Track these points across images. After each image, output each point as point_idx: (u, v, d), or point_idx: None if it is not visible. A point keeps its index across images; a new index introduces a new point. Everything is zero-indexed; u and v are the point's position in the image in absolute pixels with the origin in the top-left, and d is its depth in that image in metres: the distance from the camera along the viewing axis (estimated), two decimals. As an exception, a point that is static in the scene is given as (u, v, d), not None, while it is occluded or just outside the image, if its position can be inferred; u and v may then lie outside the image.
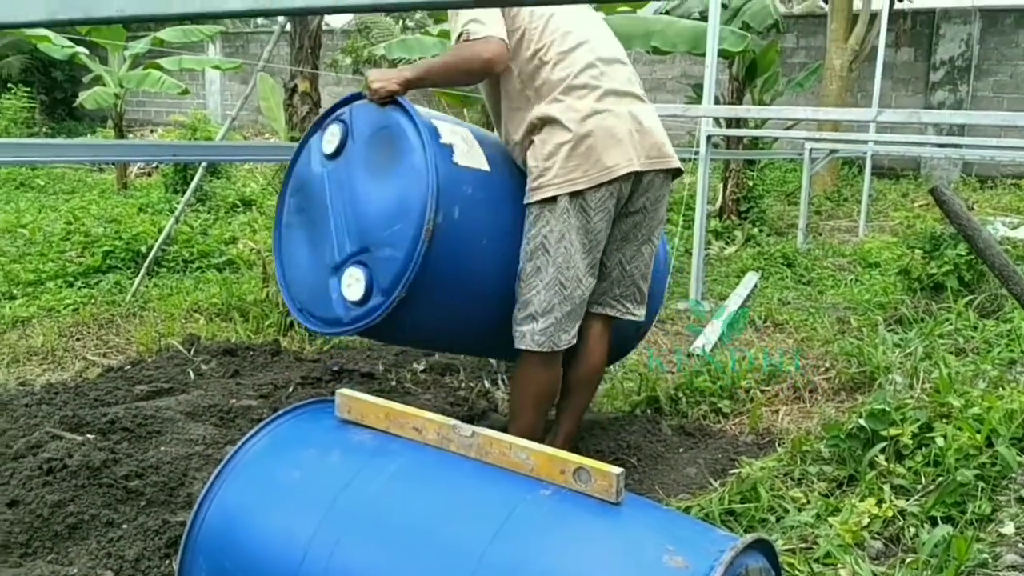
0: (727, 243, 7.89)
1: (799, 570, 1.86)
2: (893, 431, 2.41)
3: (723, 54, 7.24)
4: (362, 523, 1.77)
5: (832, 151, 8.26)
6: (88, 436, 2.64)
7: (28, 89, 12.81)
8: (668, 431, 3.19)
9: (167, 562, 2.02)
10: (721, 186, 8.86)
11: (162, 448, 2.56)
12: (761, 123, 9.40)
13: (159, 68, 9.72)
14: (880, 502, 2.18)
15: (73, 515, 2.16)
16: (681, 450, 2.98)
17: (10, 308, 4.54)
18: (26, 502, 2.20)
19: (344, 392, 2.01)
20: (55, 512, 2.17)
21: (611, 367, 4.06)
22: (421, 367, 3.90)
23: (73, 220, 6.64)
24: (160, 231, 5.65)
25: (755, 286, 6.06)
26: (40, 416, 2.81)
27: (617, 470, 1.64)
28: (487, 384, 3.84)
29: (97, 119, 15.42)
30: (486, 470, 1.82)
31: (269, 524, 1.83)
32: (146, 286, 5.03)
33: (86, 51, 9.48)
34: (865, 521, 2.07)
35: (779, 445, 2.86)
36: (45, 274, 5.14)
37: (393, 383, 3.66)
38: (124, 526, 2.16)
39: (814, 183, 8.78)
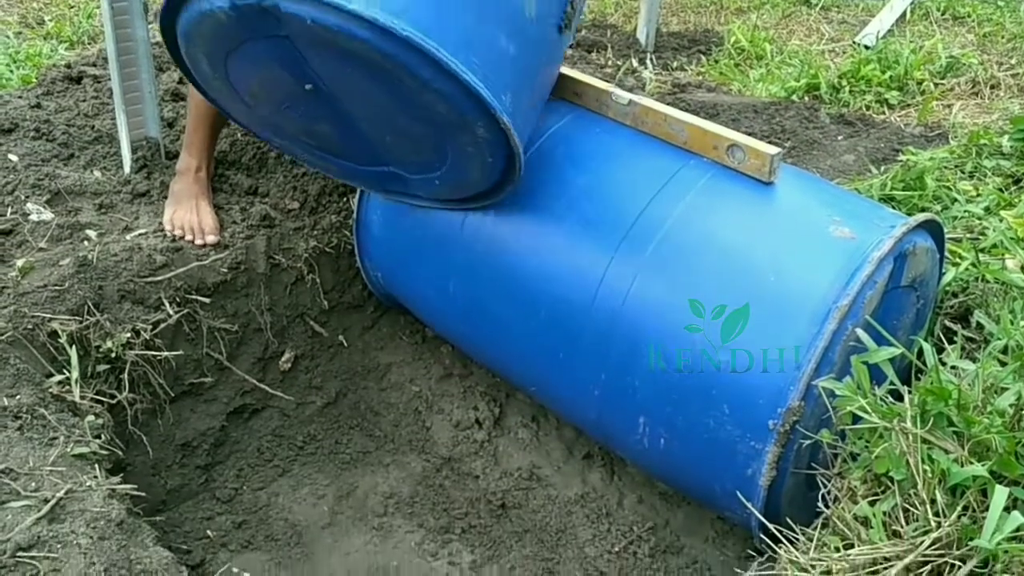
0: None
1: (963, 256, 1.82)
2: (1088, 126, 2.22)
3: None
4: (524, 173, 1.82)
5: None
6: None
7: None
8: (826, 119, 3.05)
9: (344, 199, 2.16)
10: None
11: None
12: None
13: None
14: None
15: (263, 150, 2.30)
16: (840, 137, 2.86)
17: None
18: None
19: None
20: (247, 144, 2.32)
21: (768, 52, 3.83)
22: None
23: None
24: None
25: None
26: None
27: (773, 149, 1.60)
28: (635, 63, 3.72)
29: None
30: (642, 138, 1.81)
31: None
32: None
33: None
34: (1040, 215, 1.98)
35: (951, 139, 2.70)
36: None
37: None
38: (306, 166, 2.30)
39: None
